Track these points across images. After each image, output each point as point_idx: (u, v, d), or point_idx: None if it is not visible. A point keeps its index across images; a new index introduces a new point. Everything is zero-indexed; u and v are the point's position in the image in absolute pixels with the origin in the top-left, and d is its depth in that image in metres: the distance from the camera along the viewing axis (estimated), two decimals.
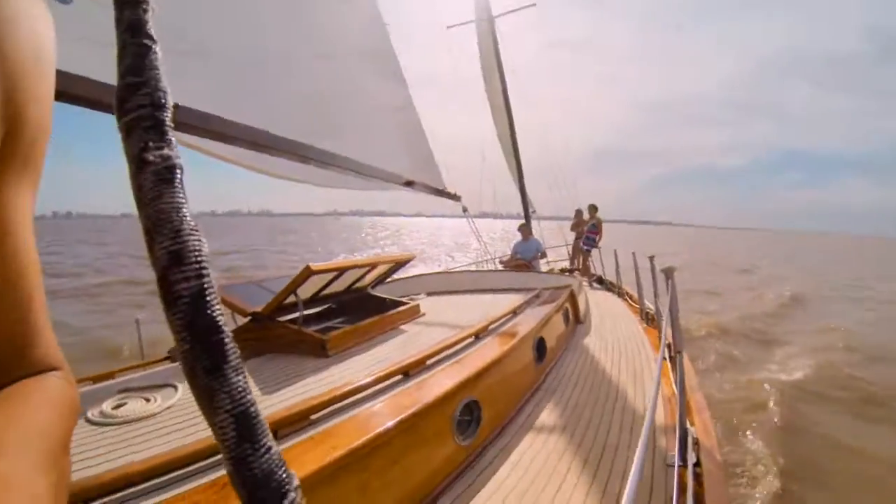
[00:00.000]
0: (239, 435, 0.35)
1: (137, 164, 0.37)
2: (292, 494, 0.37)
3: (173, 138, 0.39)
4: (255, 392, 2.61)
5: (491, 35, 12.57)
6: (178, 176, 0.38)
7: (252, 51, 3.76)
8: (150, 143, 0.37)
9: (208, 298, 0.36)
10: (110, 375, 3.40)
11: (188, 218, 0.37)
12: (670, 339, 3.31)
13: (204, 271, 0.36)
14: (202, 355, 0.35)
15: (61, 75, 2.35)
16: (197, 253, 0.36)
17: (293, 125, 3.78)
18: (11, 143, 0.40)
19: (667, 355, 4.10)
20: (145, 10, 0.41)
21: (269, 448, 0.36)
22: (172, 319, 0.35)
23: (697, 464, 2.45)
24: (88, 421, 2.35)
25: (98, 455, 1.99)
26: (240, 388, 0.35)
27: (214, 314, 0.36)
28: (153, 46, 0.41)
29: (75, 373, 0.48)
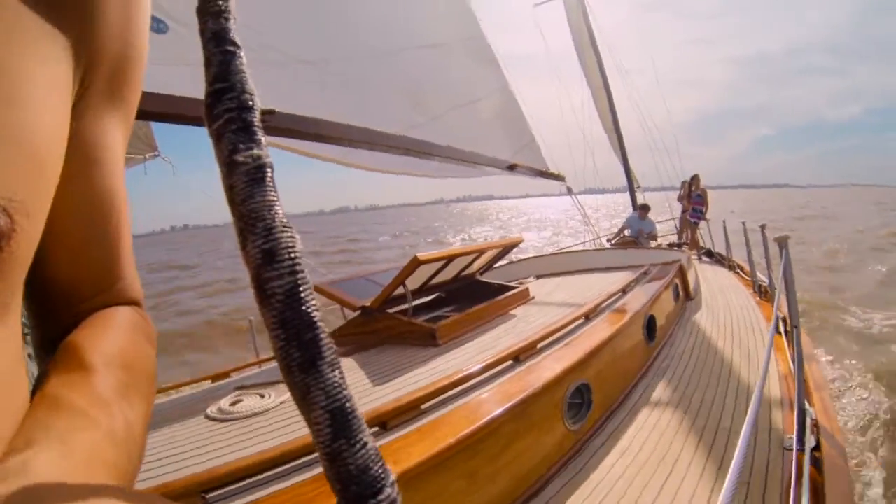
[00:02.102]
0: (334, 431, 0.34)
1: (228, 166, 0.37)
2: (388, 490, 0.35)
3: (262, 138, 0.39)
4: (365, 384, 2.64)
5: (580, 8, 12.23)
6: (269, 174, 0.38)
7: (351, 50, 3.84)
8: (240, 145, 0.37)
9: (302, 295, 0.35)
10: (226, 374, 3.63)
11: (280, 215, 0.36)
12: (785, 313, 3.11)
13: (297, 268, 0.35)
14: (296, 352, 0.34)
15: (162, 98, 2.51)
16: (290, 250, 0.35)
17: (393, 118, 3.85)
18: (105, 72, 0.42)
19: (782, 330, 3.91)
20: (227, 19, 0.41)
21: (365, 444, 0.35)
22: (267, 316, 0.34)
23: (817, 447, 2.32)
24: (207, 417, 2.48)
25: (217, 449, 2.10)
26: (335, 384, 0.34)
27: (309, 310, 0.35)
28: (237, 52, 0.41)
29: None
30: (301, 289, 0.35)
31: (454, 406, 2.24)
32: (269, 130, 2.76)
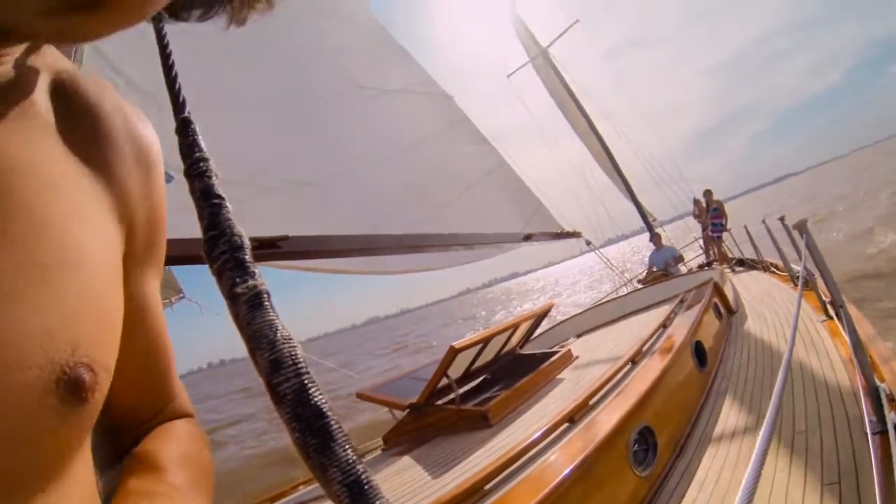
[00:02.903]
0: (352, 501, 0.38)
1: (231, 298, 0.44)
2: None
3: (256, 270, 0.47)
4: (424, 479, 2.70)
5: (550, 67, 12.63)
6: (266, 298, 0.45)
7: (344, 165, 4.01)
8: (237, 279, 0.45)
9: (310, 391, 0.41)
10: (282, 495, 3.69)
11: (281, 329, 0.43)
12: (828, 297, 3.01)
13: (301, 370, 0.42)
14: (311, 438, 0.39)
15: (176, 242, 2.63)
16: (293, 357, 0.42)
17: (402, 219, 3.96)
18: (141, 230, 0.52)
19: (832, 313, 3.84)
20: (209, 177, 0.51)
21: None
22: (283, 414, 0.40)
23: None
24: None
25: None
26: (349, 461, 0.39)
27: (318, 403, 0.41)
28: (223, 203, 0.50)
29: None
30: (308, 386, 0.41)
31: (518, 480, 2.20)
32: (286, 256, 2.89)
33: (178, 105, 0.58)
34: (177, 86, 0.60)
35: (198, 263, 2.56)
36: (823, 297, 4.26)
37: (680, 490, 2.42)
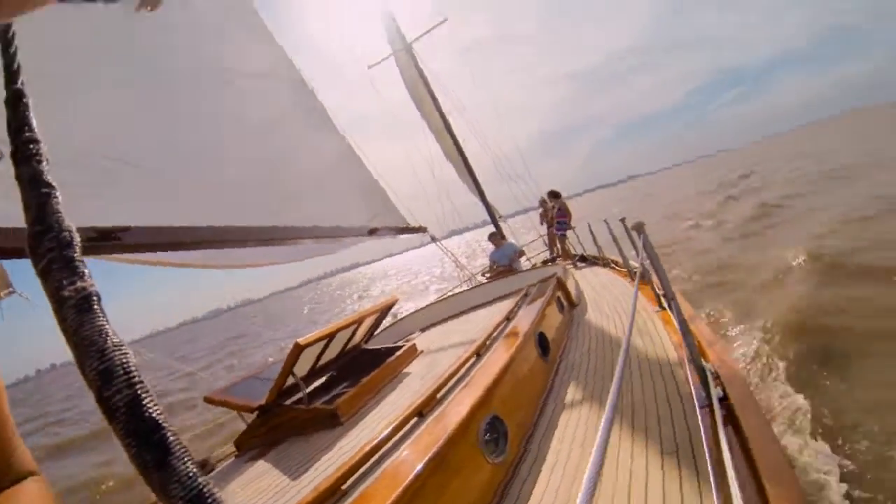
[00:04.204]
0: None
1: (57, 302, 0.41)
2: None
3: (85, 270, 0.44)
4: (282, 481, 2.65)
5: (412, 63, 12.63)
6: (96, 302, 0.42)
7: (185, 150, 3.79)
8: (64, 281, 0.42)
9: (144, 403, 0.39)
10: None
11: (111, 336, 0.41)
12: (661, 290, 3.29)
13: (133, 380, 0.40)
14: (147, 454, 0.38)
15: (6, 232, 2.36)
16: (124, 366, 0.40)
17: (251, 212, 3.84)
18: None
19: (665, 304, 4.18)
20: (39, 162, 0.47)
21: None
22: (116, 429, 0.39)
23: (725, 398, 2.45)
24: None
25: None
26: (188, 475, 0.38)
27: (153, 415, 0.39)
28: (53, 192, 0.46)
29: None
30: (141, 397, 0.39)
31: (374, 476, 2.24)
32: (127, 248, 2.68)
33: (11, 73, 0.53)
34: (12, 49, 0.54)
35: (23, 258, 2.33)
36: (658, 291, 4.64)
37: (534, 473, 2.55)
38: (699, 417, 2.40)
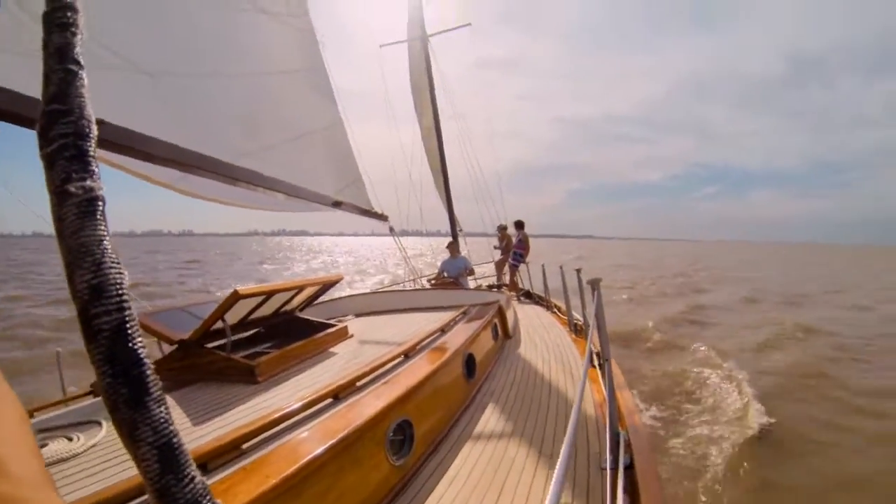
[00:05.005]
0: (162, 466, 0.35)
1: (59, 196, 0.37)
2: None
3: (97, 169, 0.39)
4: (184, 423, 2.52)
5: (424, 54, 12.55)
6: (101, 208, 0.38)
7: (193, 66, 3.69)
8: (73, 174, 0.37)
9: (129, 331, 0.36)
10: (28, 414, 3.22)
11: (110, 250, 0.37)
12: (598, 348, 3.38)
13: (125, 304, 0.36)
14: (123, 388, 0.35)
15: None
16: (118, 286, 0.36)
17: (226, 145, 3.72)
18: None
19: (596, 363, 4.24)
20: (74, 34, 0.40)
21: (193, 478, 0.37)
22: (93, 352, 0.35)
23: (631, 466, 2.51)
24: None
25: None
26: (162, 420, 0.36)
27: (136, 347, 0.36)
28: (80, 72, 0.40)
29: None
30: (128, 325, 0.36)
31: (275, 445, 2.19)
32: (99, 142, 2.51)
33: None
34: None
35: (21, 125, 2.16)
36: (592, 348, 4.73)
37: (431, 483, 2.57)
38: (604, 477, 2.50)
